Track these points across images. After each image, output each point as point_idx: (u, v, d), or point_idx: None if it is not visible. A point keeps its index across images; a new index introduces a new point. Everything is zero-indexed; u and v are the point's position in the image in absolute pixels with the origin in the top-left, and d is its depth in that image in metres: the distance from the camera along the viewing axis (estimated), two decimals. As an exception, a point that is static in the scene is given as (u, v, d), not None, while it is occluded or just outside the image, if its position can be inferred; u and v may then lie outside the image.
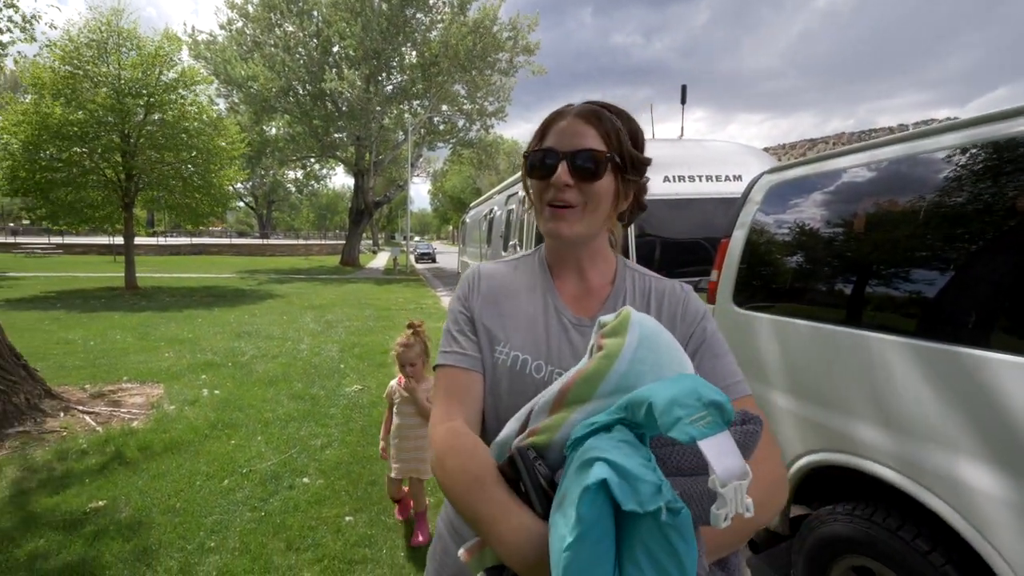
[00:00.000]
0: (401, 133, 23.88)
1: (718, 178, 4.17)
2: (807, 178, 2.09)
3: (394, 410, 2.66)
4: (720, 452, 0.42)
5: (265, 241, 42.02)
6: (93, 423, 3.99)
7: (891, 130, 11.74)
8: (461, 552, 0.63)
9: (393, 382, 2.71)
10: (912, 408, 1.48)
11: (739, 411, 0.52)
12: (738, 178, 4.16)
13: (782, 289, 2.14)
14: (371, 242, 54.74)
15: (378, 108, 21.44)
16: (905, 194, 1.67)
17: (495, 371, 0.83)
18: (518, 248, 6.25)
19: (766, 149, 13.08)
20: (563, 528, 0.43)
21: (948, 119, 2.86)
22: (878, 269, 1.72)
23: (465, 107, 23.28)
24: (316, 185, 37.60)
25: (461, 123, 24.51)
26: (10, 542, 2.49)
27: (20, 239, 31.80)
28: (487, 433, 0.82)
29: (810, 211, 2.05)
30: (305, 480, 3.21)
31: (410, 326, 2.61)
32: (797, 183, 2.14)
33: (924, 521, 1.47)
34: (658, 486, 0.41)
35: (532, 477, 0.56)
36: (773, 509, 0.65)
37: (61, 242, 29.58)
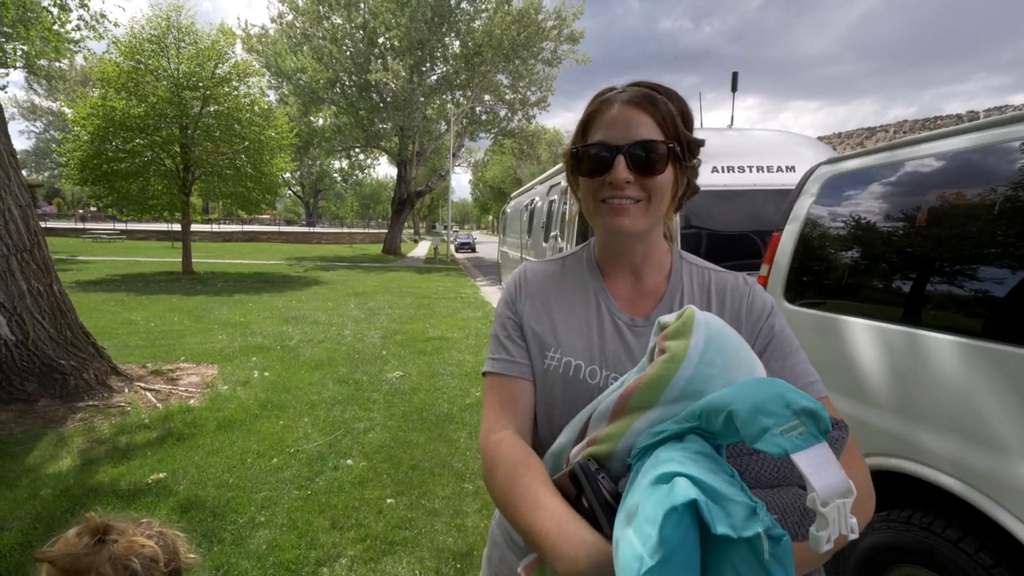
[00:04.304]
0: (443, 123, 24.07)
1: (770, 169, 4.01)
2: (867, 169, 1.99)
3: None
4: (819, 466, 0.37)
5: (311, 229, 43.34)
6: (154, 400, 4.24)
7: (959, 117, 11.02)
8: (519, 570, 0.61)
9: None
10: (976, 415, 1.39)
11: None
12: (791, 169, 4.00)
13: (837, 285, 2.05)
14: (412, 231, 55.57)
15: (421, 99, 21.63)
16: (975, 187, 1.56)
17: (546, 378, 0.79)
18: (559, 239, 6.21)
19: (820, 138, 12.50)
20: (639, 548, 0.39)
21: (1027, 106, 2.66)
22: (943, 266, 1.63)
23: (507, 97, 23.20)
24: (360, 175, 38.44)
25: (503, 113, 24.47)
26: (80, 508, 2.68)
27: (88, 225, 33.89)
28: (540, 442, 0.79)
29: (869, 204, 1.95)
30: (349, 462, 3.32)
31: (92, 528, 0.96)
32: (856, 175, 2.04)
33: (988, 534, 1.39)
34: (752, 508, 0.38)
35: (597, 494, 0.53)
36: (862, 522, 0.60)
37: (124, 228, 31.35)
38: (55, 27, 7.66)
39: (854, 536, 0.37)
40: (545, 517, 0.57)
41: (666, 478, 0.41)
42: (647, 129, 0.73)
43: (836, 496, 0.37)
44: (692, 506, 0.38)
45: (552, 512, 0.57)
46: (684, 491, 0.38)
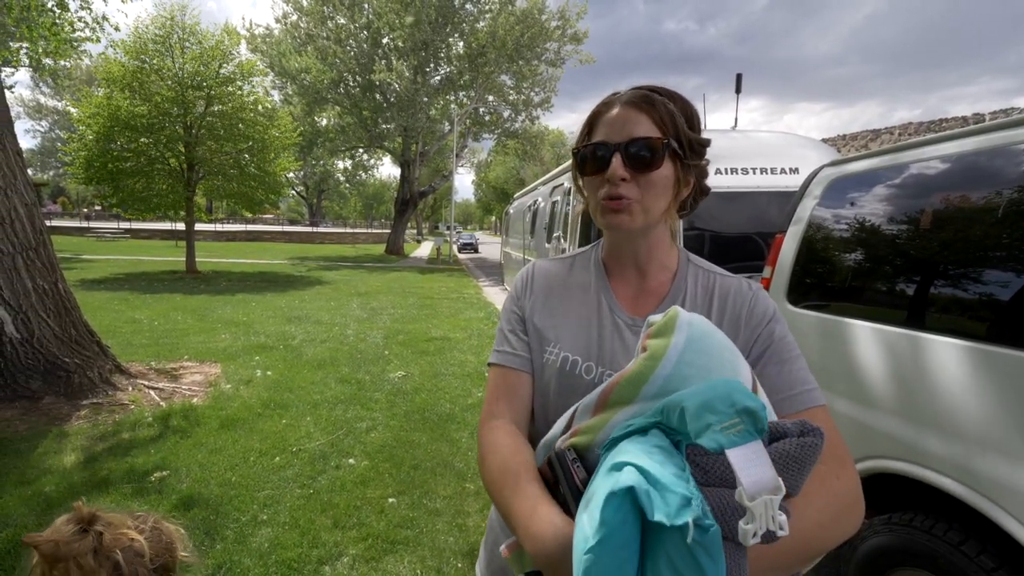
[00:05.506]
0: (447, 124, 24.10)
1: (773, 171, 4.01)
2: (871, 172, 1.99)
3: None
4: (749, 463, 0.39)
5: (314, 229, 43.35)
6: (157, 398, 4.25)
7: (964, 120, 10.98)
8: (502, 549, 0.63)
9: None
10: (979, 419, 1.39)
11: (798, 422, 0.48)
12: (795, 171, 4.00)
13: (840, 288, 2.05)
14: (415, 231, 55.59)
15: (425, 99, 21.67)
16: (980, 189, 1.56)
17: (544, 372, 0.82)
18: (562, 240, 6.22)
19: (825, 140, 12.48)
20: (587, 529, 0.42)
21: (1032, 109, 2.65)
22: (946, 269, 1.63)
23: (511, 98, 23.22)
24: (364, 175, 38.51)
25: (506, 114, 24.48)
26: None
27: (92, 224, 34.02)
28: (536, 433, 0.82)
29: (873, 206, 1.95)
30: (351, 461, 3.32)
31: (78, 518, 0.92)
32: (860, 177, 2.04)
33: (989, 537, 1.39)
34: (688, 499, 0.39)
35: (570, 481, 0.55)
36: (843, 530, 0.61)
37: (128, 227, 31.45)
38: (56, 26, 7.66)
39: (783, 533, 0.38)
40: (521, 500, 0.61)
41: (619, 467, 0.44)
42: (643, 127, 0.75)
43: (764, 492, 0.39)
44: (631, 492, 0.40)
45: (529, 496, 0.61)
46: (625, 478, 0.41)
